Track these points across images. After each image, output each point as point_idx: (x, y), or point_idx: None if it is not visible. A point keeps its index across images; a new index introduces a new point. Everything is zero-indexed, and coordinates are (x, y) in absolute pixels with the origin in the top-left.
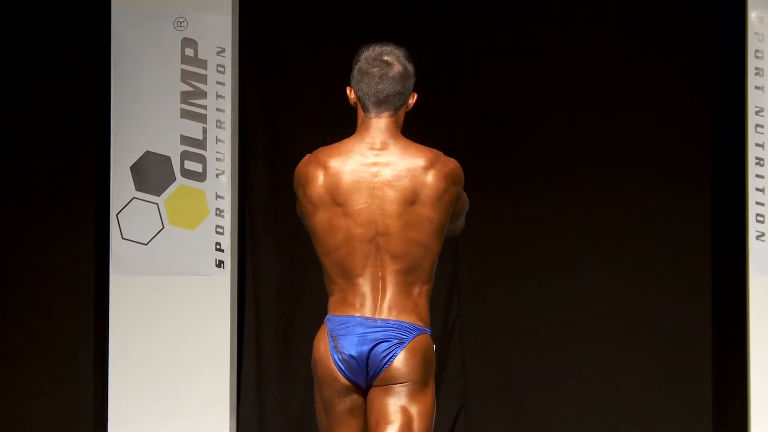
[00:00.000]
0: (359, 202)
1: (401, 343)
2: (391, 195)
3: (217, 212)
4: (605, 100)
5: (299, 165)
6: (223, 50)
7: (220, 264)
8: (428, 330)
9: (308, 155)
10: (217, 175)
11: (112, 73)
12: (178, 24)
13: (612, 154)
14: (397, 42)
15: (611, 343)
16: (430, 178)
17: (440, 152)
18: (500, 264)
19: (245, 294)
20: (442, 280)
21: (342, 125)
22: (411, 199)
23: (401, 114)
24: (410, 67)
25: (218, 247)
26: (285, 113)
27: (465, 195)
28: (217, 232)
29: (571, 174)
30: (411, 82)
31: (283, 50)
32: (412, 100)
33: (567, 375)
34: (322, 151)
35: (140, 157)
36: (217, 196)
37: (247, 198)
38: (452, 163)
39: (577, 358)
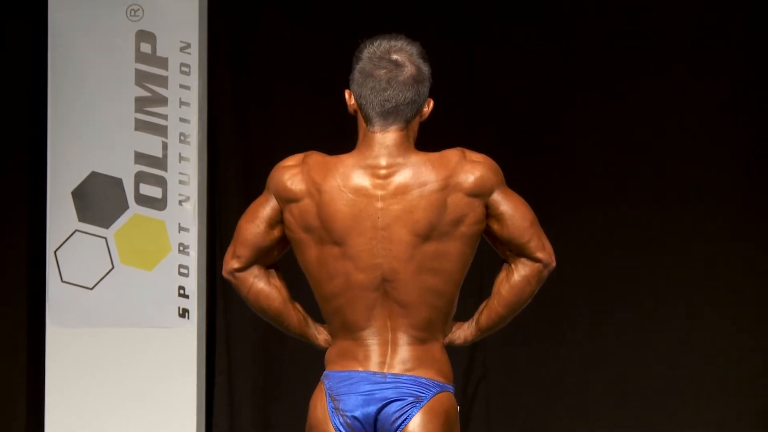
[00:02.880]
0: (360, 242)
1: (418, 403)
2: (400, 232)
3: (181, 249)
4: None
5: (283, 166)
6: (188, 45)
7: (184, 314)
8: (451, 387)
9: (295, 157)
10: (180, 203)
11: (48, 74)
12: (132, 13)
13: (663, 179)
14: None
15: (670, 412)
16: (451, 197)
17: (464, 153)
18: (533, 315)
19: (215, 351)
20: None
21: (336, 140)
22: (425, 234)
23: (414, 125)
24: (425, 68)
25: (182, 292)
26: (264, 124)
27: (511, 200)
28: (181, 274)
29: (623, 200)
30: (426, 86)
31: (264, 46)
32: (428, 107)
33: None
34: (317, 163)
35: (84, 180)
36: (181, 229)
37: (218, 231)
38: (478, 168)
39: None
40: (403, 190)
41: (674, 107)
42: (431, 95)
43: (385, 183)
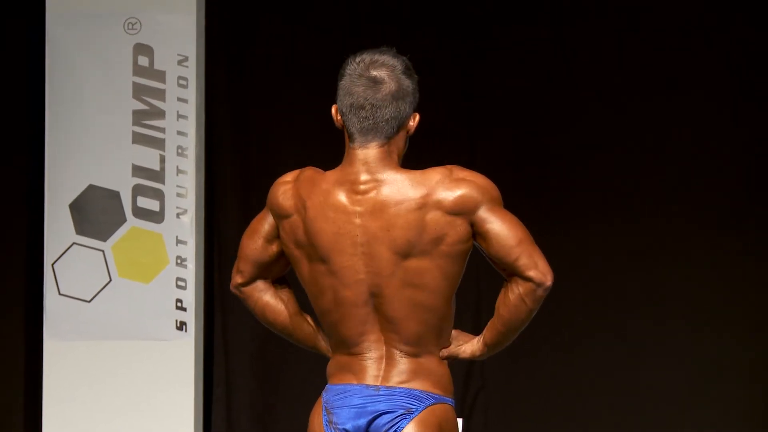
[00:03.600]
0: (342, 260)
1: (408, 414)
2: (379, 249)
3: (178, 261)
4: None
5: (279, 182)
6: (186, 59)
7: (181, 326)
8: (449, 399)
9: (293, 173)
10: (178, 215)
11: (46, 87)
12: (129, 26)
13: (669, 191)
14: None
15: (671, 422)
16: (429, 215)
17: (450, 171)
18: (531, 326)
19: (213, 364)
20: None
21: (336, 154)
22: (404, 252)
23: (399, 140)
24: (408, 83)
25: (179, 305)
26: (262, 138)
27: (499, 217)
28: (178, 287)
29: (623, 213)
30: (409, 101)
31: (262, 59)
32: (413, 122)
33: None
34: (306, 179)
35: (81, 193)
36: (179, 241)
37: (216, 244)
38: (461, 186)
39: None
40: (380, 207)
41: (679, 113)
42: (422, 107)
43: (363, 199)
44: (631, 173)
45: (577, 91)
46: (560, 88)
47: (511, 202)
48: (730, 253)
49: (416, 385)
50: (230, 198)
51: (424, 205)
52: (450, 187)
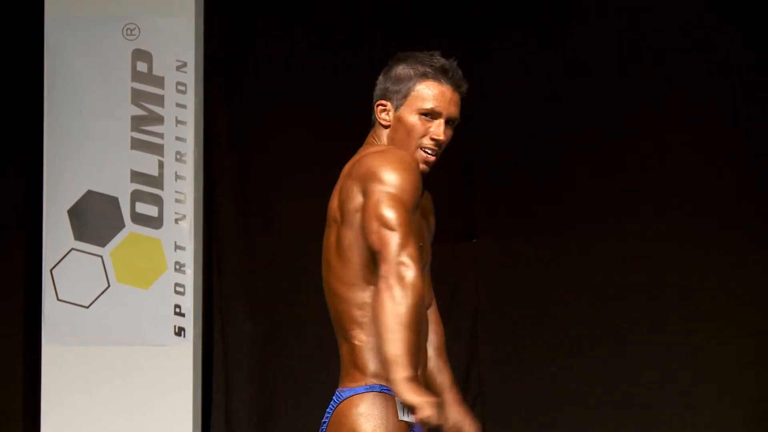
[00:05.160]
0: None
1: (324, 424)
2: (326, 233)
3: (177, 267)
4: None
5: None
6: (185, 65)
7: (180, 332)
8: (363, 388)
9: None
10: (176, 221)
11: (45, 93)
12: (128, 32)
13: (666, 197)
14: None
15: (669, 427)
16: (345, 189)
17: (386, 149)
18: (529, 333)
19: (212, 370)
20: (460, 353)
21: (334, 156)
22: (333, 218)
23: (378, 126)
24: (391, 69)
25: (178, 310)
26: (260, 143)
27: (375, 196)
28: (177, 292)
29: (617, 224)
30: (381, 86)
31: (260, 64)
32: (377, 110)
33: None
34: None
35: (80, 199)
36: (177, 247)
37: (214, 249)
38: (370, 158)
39: None
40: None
41: (679, 118)
42: None
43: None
44: (629, 176)
45: (577, 92)
46: (560, 89)
47: (510, 204)
48: (729, 258)
49: (344, 382)
50: (229, 203)
51: (348, 174)
52: (367, 158)
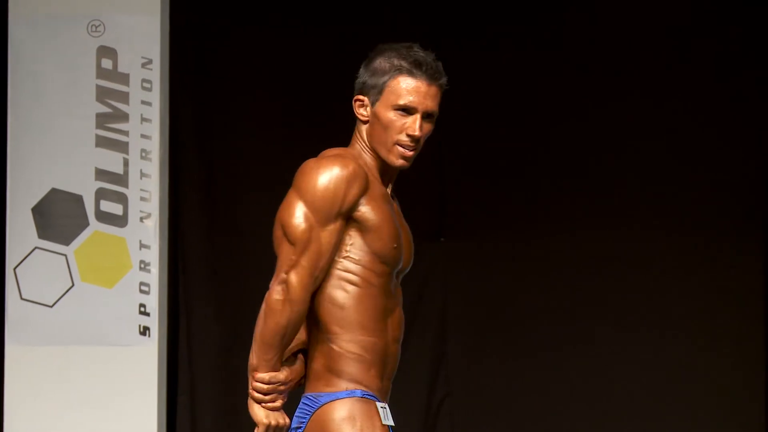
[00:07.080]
0: None
1: (297, 430)
2: None
3: (142, 266)
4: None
5: None
6: (150, 61)
7: (144, 331)
8: (343, 393)
9: None
10: (141, 219)
11: (8, 89)
12: (93, 28)
13: (636, 197)
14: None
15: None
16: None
17: (326, 155)
18: (497, 333)
19: (177, 370)
20: (427, 353)
21: (301, 154)
22: None
23: (358, 121)
24: (371, 62)
25: (143, 310)
26: (227, 141)
27: (288, 201)
28: (142, 291)
29: (586, 224)
30: (360, 79)
31: (227, 61)
32: (355, 105)
33: None
34: None
35: (44, 197)
36: (142, 246)
37: (180, 248)
38: (305, 163)
39: None
40: None
41: (648, 118)
42: None
43: None
44: (599, 176)
45: (548, 92)
46: (531, 88)
47: (479, 203)
48: (702, 260)
49: (312, 387)
50: (194, 202)
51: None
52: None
